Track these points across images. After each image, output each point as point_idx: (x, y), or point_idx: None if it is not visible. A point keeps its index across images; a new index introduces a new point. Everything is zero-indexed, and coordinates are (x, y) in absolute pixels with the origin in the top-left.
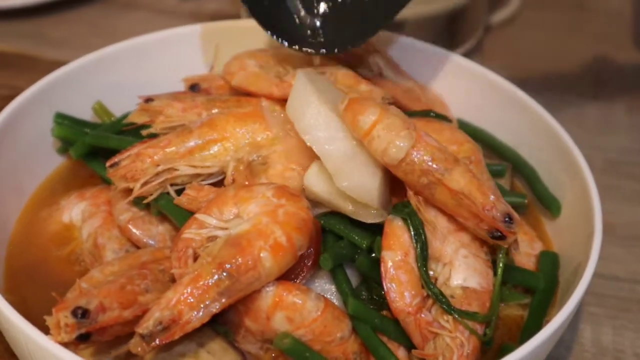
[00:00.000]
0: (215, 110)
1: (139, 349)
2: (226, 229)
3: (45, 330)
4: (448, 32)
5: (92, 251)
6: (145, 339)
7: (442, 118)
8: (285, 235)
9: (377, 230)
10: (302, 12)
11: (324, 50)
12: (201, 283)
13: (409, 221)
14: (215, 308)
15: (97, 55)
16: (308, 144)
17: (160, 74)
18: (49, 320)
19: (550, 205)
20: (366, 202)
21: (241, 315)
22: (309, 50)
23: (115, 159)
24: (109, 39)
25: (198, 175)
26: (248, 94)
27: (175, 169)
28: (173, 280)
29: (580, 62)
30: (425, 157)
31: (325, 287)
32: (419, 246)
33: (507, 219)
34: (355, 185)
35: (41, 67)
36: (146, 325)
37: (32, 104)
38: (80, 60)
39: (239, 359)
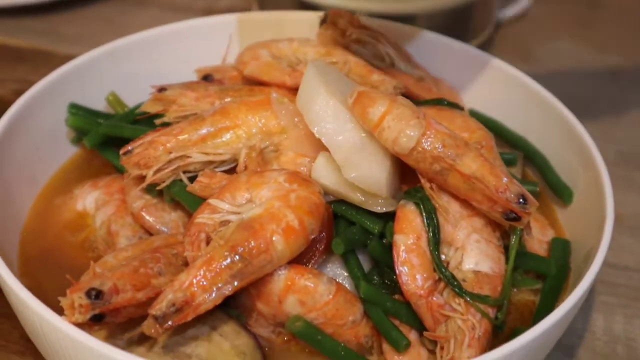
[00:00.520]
0: (228, 99)
1: (152, 330)
2: (239, 213)
3: (60, 312)
4: (458, 28)
5: (106, 238)
6: (158, 320)
7: (454, 106)
8: (297, 218)
9: (387, 216)
10: None
11: None
12: (214, 266)
13: (421, 206)
14: (228, 290)
15: (111, 47)
16: (317, 135)
17: (173, 65)
18: (63, 301)
19: (562, 193)
20: (375, 192)
21: (253, 299)
22: None
23: (129, 147)
24: (122, 35)
25: (210, 162)
26: (260, 84)
27: (188, 156)
28: (186, 264)
29: (592, 57)
30: (436, 144)
31: (337, 271)
32: (431, 230)
33: (521, 200)
34: (364, 175)
35: (56, 62)
36: (159, 307)
37: (47, 94)
38: (94, 52)
39: (251, 342)
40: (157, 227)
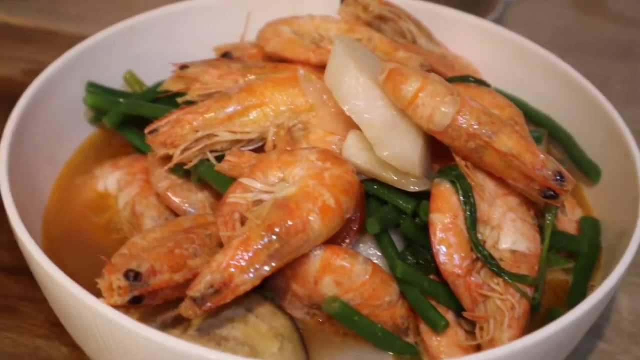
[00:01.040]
0: (251, 77)
1: (190, 312)
2: (271, 192)
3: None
4: (467, 7)
5: (130, 219)
6: (196, 302)
7: (481, 83)
8: (333, 197)
9: (419, 195)
10: None
11: None
12: (251, 246)
13: (457, 184)
14: (265, 271)
15: (127, 25)
16: (347, 113)
17: (190, 43)
18: (101, 283)
19: (589, 171)
20: (408, 170)
21: (288, 280)
22: None
23: (154, 126)
24: (127, 11)
25: (238, 141)
26: (283, 61)
27: (215, 135)
28: (220, 244)
29: (604, 35)
30: (471, 121)
31: (370, 251)
32: (468, 208)
33: (557, 177)
34: (397, 154)
35: (64, 41)
36: (198, 288)
37: (63, 73)
38: (110, 29)
39: (288, 323)
40: (184, 207)
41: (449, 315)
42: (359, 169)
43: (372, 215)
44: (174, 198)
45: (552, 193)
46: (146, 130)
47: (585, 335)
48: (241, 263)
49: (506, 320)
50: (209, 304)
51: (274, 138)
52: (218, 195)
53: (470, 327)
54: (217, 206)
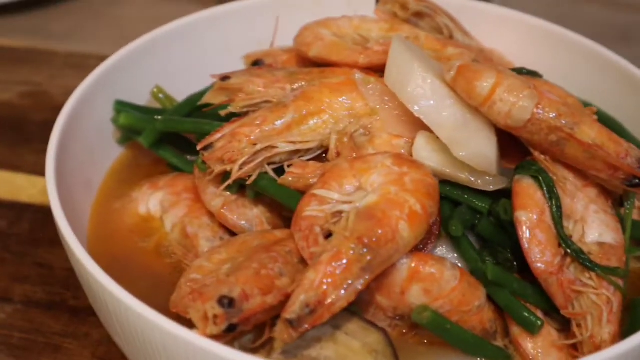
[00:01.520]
0: (301, 84)
1: (286, 336)
2: (350, 202)
3: None
4: None
5: (182, 242)
6: (293, 324)
7: (534, 74)
8: (419, 202)
9: (492, 194)
10: None
11: None
12: (342, 260)
13: (540, 179)
14: (360, 285)
15: (149, 39)
16: (416, 114)
17: (214, 53)
18: (193, 314)
19: None
20: (485, 169)
21: (372, 292)
22: None
23: (209, 141)
24: (117, 28)
25: (297, 151)
26: (327, 65)
27: (274, 147)
28: (302, 261)
29: (602, 19)
30: (551, 114)
31: (448, 255)
32: (554, 203)
33: None
34: (474, 153)
35: (57, 61)
36: (293, 310)
37: (91, 95)
38: (132, 45)
39: (382, 338)
40: (241, 224)
41: (539, 315)
42: (432, 172)
43: (452, 218)
44: (230, 216)
45: (637, 181)
46: (199, 147)
47: None
48: (335, 279)
49: (605, 315)
50: (306, 326)
51: (337, 145)
52: (274, 210)
53: (559, 325)
54: (293, 221)
